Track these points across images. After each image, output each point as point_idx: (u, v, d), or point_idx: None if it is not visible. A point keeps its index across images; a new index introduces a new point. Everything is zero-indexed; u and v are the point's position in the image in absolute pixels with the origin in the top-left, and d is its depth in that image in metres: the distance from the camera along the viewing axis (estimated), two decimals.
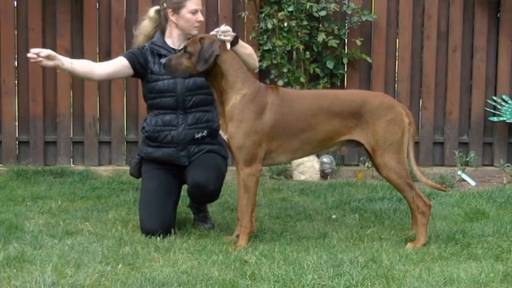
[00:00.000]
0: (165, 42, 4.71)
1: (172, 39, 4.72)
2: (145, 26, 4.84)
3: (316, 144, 4.51)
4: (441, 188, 4.88)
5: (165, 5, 4.71)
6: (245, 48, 4.61)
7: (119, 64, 4.70)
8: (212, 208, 5.18)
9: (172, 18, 4.69)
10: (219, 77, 4.34)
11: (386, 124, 4.39)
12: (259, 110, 4.32)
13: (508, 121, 7.23)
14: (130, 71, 4.71)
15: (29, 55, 4.35)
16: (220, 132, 4.47)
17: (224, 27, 4.43)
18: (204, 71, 4.30)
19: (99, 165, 7.11)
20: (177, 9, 4.66)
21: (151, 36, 4.79)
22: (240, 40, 4.56)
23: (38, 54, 4.32)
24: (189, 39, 4.53)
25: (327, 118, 4.42)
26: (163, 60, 4.39)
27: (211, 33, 4.47)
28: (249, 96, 4.33)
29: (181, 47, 4.51)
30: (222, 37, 4.38)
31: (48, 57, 4.36)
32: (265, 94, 4.38)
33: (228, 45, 4.39)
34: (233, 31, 4.40)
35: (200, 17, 4.67)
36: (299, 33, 6.90)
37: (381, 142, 4.38)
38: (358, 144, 4.51)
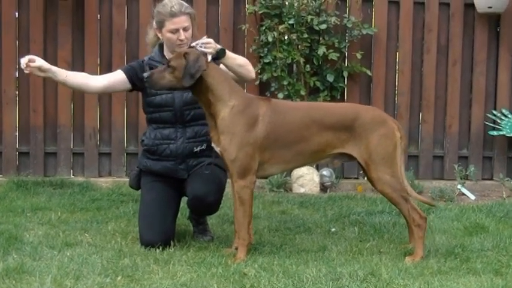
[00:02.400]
0: (163, 57, 4.69)
1: (167, 53, 4.71)
2: (150, 37, 4.84)
3: (308, 156, 4.50)
4: (430, 203, 4.89)
5: (153, 21, 4.72)
6: (234, 59, 4.56)
7: (115, 78, 4.71)
8: (212, 220, 5.17)
9: (159, 35, 4.68)
10: (205, 91, 4.31)
11: (379, 138, 4.40)
12: (250, 122, 4.32)
13: (507, 135, 7.24)
14: (128, 85, 4.72)
15: (21, 60, 4.38)
16: (213, 144, 4.45)
17: (205, 39, 4.43)
18: (189, 86, 4.29)
19: (99, 176, 7.11)
20: (160, 28, 4.63)
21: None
22: (229, 52, 4.54)
23: (28, 64, 4.36)
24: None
25: (319, 130, 4.41)
26: (145, 74, 4.36)
27: (191, 45, 4.47)
28: (238, 108, 4.31)
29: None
30: (203, 49, 4.38)
31: (39, 69, 4.40)
32: (257, 105, 4.37)
33: (209, 58, 4.38)
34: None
35: (181, 35, 4.55)
36: (299, 46, 6.92)
37: (373, 156, 4.39)
38: (350, 157, 4.52)
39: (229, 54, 4.53)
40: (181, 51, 4.39)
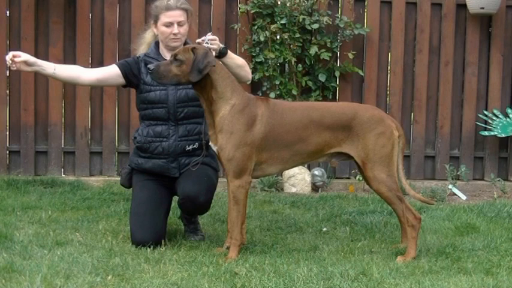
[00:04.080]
0: (159, 54, 4.70)
1: (163, 51, 4.72)
2: (146, 36, 4.85)
3: (306, 156, 4.50)
4: (429, 202, 4.88)
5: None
6: (234, 59, 4.59)
7: (109, 71, 4.71)
8: (203, 220, 5.17)
9: (155, 30, 4.70)
10: (209, 87, 4.31)
11: (377, 137, 4.39)
12: (249, 122, 4.31)
13: (498, 135, 7.26)
14: (121, 80, 4.70)
15: (6, 57, 4.40)
16: (210, 143, 4.45)
17: (211, 36, 4.44)
18: (194, 81, 4.29)
19: (90, 175, 7.09)
20: (156, 22, 4.66)
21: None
22: (229, 52, 4.56)
23: (13, 60, 4.38)
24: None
25: (318, 130, 4.41)
26: (151, 66, 4.35)
27: (197, 41, 4.47)
28: (238, 107, 4.31)
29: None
30: (209, 45, 4.38)
31: (25, 63, 4.41)
32: (256, 105, 4.37)
33: (213, 54, 4.39)
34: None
35: (175, 29, 4.59)
36: (291, 46, 6.92)
37: (371, 155, 4.38)
38: (348, 156, 4.51)
39: (230, 53, 4.55)
40: (189, 46, 4.40)
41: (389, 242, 4.81)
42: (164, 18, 4.59)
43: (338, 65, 7.24)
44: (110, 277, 3.82)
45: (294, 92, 6.92)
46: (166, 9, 4.58)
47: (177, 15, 4.59)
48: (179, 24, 4.60)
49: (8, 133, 7.11)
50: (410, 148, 7.42)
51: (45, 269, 3.89)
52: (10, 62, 4.38)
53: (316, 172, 6.96)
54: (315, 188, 6.96)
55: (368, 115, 4.44)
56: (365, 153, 4.39)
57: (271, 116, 4.36)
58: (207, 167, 4.68)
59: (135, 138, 4.76)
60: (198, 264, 4.10)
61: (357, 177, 6.93)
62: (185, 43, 4.70)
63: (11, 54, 4.41)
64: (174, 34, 4.59)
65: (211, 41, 4.42)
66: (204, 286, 3.69)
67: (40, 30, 7.01)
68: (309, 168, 7.01)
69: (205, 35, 4.48)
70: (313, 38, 7.05)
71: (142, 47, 4.88)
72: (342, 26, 7.06)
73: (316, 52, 6.92)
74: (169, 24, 4.59)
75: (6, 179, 6.60)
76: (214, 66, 4.25)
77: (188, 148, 4.64)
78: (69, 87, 7.02)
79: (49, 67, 4.54)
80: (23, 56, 4.41)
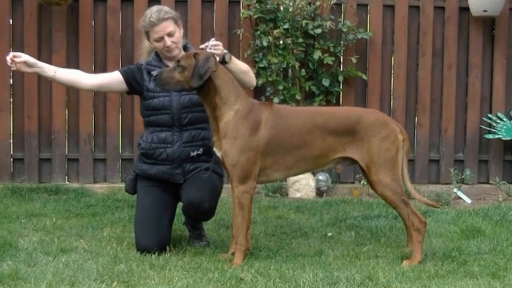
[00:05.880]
0: (161, 61, 4.70)
1: (164, 59, 4.73)
2: (145, 46, 4.86)
3: (311, 161, 4.48)
4: (435, 205, 4.87)
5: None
6: (238, 65, 4.58)
7: (112, 77, 4.72)
8: (207, 225, 5.15)
9: (149, 41, 4.72)
10: (212, 93, 4.31)
11: (381, 141, 4.38)
12: (253, 127, 4.30)
13: (503, 139, 7.24)
14: (124, 86, 4.71)
15: (7, 58, 4.42)
16: (214, 149, 4.44)
17: (214, 41, 4.44)
18: (197, 87, 4.28)
19: (94, 182, 7.09)
20: (148, 38, 4.69)
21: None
22: (233, 58, 4.55)
23: (13, 60, 4.41)
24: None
25: (322, 135, 4.40)
26: (154, 73, 4.35)
27: (201, 47, 4.47)
28: (242, 112, 4.30)
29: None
30: (212, 50, 4.38)
31: (26, 64, 4.43)
32: (259, 110, 4.36)
33: (217, 59, 4.38)
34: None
35: (167, 42, 4.58)
36: (295, 51, 6.91)
37: (375, 159, 4.37)
38: (353, 161, 4.50)
39: (234, 59, 4.54)
40: (191, 51, 4.41)
41: (394, 246, 4.79)
42: (153, 34, 4.60)
43: (341, 69, 7.24)
44: (115, 284, 3.81)
45: (298, 97, 6.91)
46: (152, 26, 4.57)
47: (164, 28, 4.58)
48: (169, 34, 4.59)
49: (11, 141, 7.11)
50: (414, 152, 7.41)
51: (50, 276, 3.88)
52: (10, 62, 4.40)
53: (320, 177, 6.95)
54: (319, 193, 6.95)
55: (372, 119, 4.43)
56: (369, 157, 4.38)
57: (275, 121, 4.35)
58: (212, 173, 4.66)
59: (139, 144, 4.75)
60: (203, 270, 4.09)
61: (362, 182, 6.91)
62: (187, 49, 4.71)
63: (11, 54, 4.44)
64: (167, 47, 4.60)
65: (215, 47, 4.41)
66: None
67: (43, 38, 7.01)
68: (313, 173, 6.99)
69: (208, 41, 4.48)
70: (316, 43, 7.04)
71: (143, 57, 4.89)
72: (344, 30, 7.06)
73: (319, 57, 6.91)
74: (159, 39, 4.59)
75: (10, 187, 6.60)
76: (214, 71, 4.25)
77: (193, 154, 4.64)
78: (73, 94, 7.02)
79: (49, 69, 4.56)
80: (23, 57, 4.44)
